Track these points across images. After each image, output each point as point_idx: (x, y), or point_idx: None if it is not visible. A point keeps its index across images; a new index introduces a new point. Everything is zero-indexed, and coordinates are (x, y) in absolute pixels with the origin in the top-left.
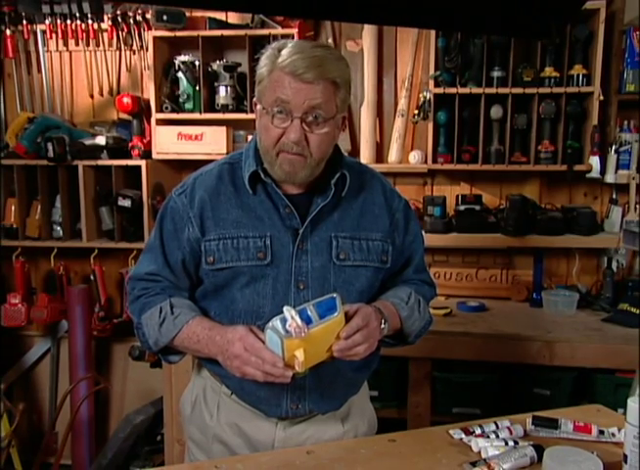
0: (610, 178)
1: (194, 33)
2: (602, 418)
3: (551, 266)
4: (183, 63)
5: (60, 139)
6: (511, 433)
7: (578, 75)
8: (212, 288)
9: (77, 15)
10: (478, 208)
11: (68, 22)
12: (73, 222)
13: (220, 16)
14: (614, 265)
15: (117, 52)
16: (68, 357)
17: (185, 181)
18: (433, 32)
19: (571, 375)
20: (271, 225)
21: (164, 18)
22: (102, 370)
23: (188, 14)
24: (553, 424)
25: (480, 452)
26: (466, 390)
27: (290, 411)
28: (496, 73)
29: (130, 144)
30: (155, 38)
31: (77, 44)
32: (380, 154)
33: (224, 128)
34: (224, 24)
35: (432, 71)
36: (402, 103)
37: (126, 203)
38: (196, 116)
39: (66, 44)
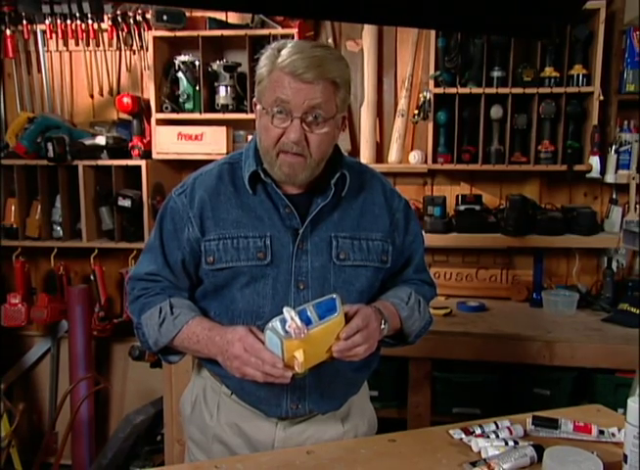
0: (610, 178)
1: (194, 33)
2: (602, 418)
3: (551, 266)
4: (183, 63)
5: (60, 139)
6: (511, 433)
7: (578, 75)
8: (212, 288)
9: (77, 15)
10: (478, 208)
11: (68, 22)
12: (73, 222)
13: (220, 16)
14: (614, 265)
15: (117, 52)
16: (68, 357)
17: (185, 181)
18: (433, 32)
19: (571, 375)
20: (271, 225)
21: (164, 18)
22: (102, 370)
23: (188, 14)
24: (553, 424)
25: (479, 452)
26: (466, 390)
27: (290, 411)
28: (496, 73)
29: (130, 144)
30: (155, 38)
31: (77, 44)
32: (380, 154)
33: (224, 128)
34: (224, 24)
35: (432, 71)
36: (402, 103)
37: (126, 203)
38: (196, 116)
39: (66, 44)
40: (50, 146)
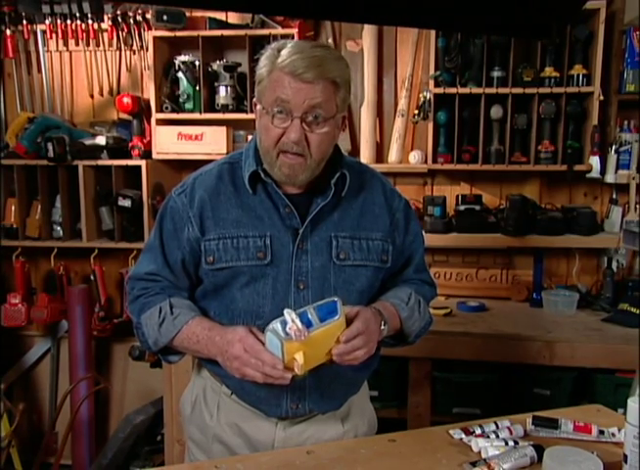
0: (610, 178)
1: (194, 33)
2: (602, 418)
3: (551, 266)
4: (183, 63)
5: (60, 139)
6: (511, 433)
7: (578, 75)
8: (212, 288)
9: (77, 15)
10: (478, 208)
11: (68, 22)
12: (73, 222)
13: (220, 16)
14: (614, 265)
15: (117, 52)
16: (68, 357)
17: (185, 181)
18: (433, 32)
19: (571, 375)
20: (271, 225)
21: (164, 18)
22: (102, 370)
23: (188, 14)
24: (553, 424)
25: (480, 452)
26: (466, 390)
27: (290, 411)
28: (496, 73)
29: (130, 144)
30: (155, 38)
31: (77, 44)
32: (380, 154)
33: (224, 128)
34: (224, 24)
35: (432, 71)
36: (402, 103)
37: (126, 203)
38: (196, 116)
39: (66, 44)
40: (50, 146)
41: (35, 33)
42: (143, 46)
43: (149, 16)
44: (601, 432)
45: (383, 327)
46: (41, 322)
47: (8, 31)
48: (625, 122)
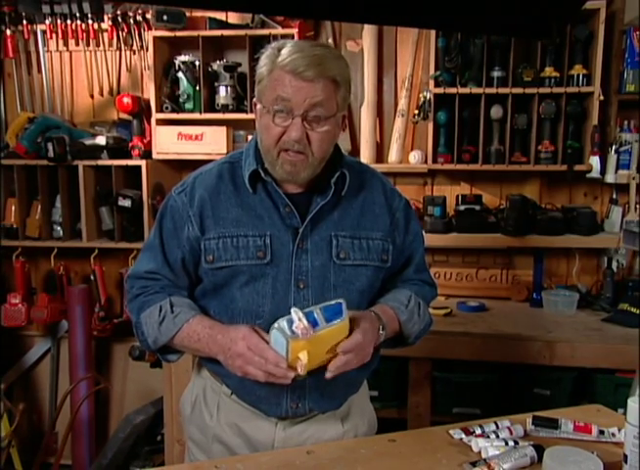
0: (610, 178)
1: (194, 33)
2: (602, 418)
3: (551, 266)
4: (183, 63)
5: (60, 139)
6: (511, 433)
7: (578, 75)
8: (212, 287)
9: (77, 15)
10: (478, 208)
11: (68, 22)
12: (73, 222)
13: (220, 16)
14: (614, 265)
15: (117, 52)
16: (68, 357)
17: (185, 180)
18: (433, 32)
19: (571, 375)
20: (271, 224)
21: (164, 18)
22: (102, 370)
23: (188, 14)
24: (553, 424)
25: (480, 452)
26: (466, 390)
27: (290, 411)
28: (496, 73)
29: (130, 144)
30: (155, 38)
31: (77, 44)
32: (380, 154)
33: (224, 128)
34: (224, 24)
35: (432, 71)
36: (402, 103)
37: (126, 203)
38: (196, 116)
39: (66, 44)
40: (50, 146)
41: (35, 33)
42: (143, 46)
43: (149, 16)
44: (601, 432)
45: (381, 332)
46: (41, 322)
47: (8, 31)
48: (625, 122)
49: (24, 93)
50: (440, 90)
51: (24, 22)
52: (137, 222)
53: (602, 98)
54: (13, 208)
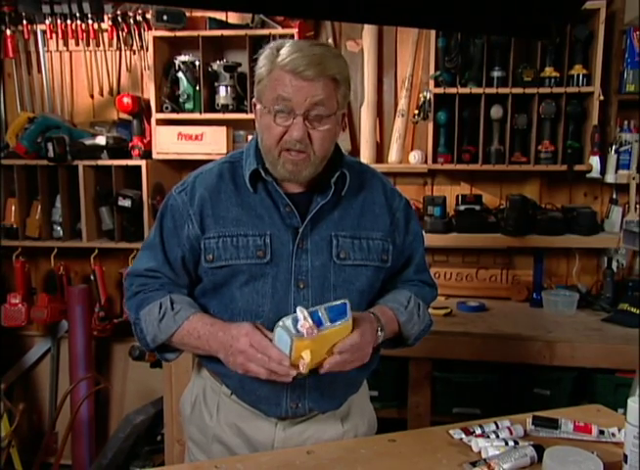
0: (610, 178)
1: (194, 33)
2: (602, 418)
3: (551, 266)
4: (183, 63)
5: (60, 139)
6: (511, 433)
7: (578, 75)
8: (211, 286)
9: (77, 15)
10: (478, 208)
11: (68, 22)
12: (73, 222)
13: (220, 16)
14: (614, 265)
15: (117, 52)
16: (68, 357)
17: (185, 180)
18: (433, 32)
19: (571, 375)
20: (271, 224)
21: (164, 18)
22: (102, 370)
23: (188, 14)
24: (553, 424)
25: (480, 452)
26: (466, 390)
27: (289, 410)
28: (496, 73)
29: (130, 144)
30: (155, 38)
31: (77, 44)
32: (380, 154)
33: (224, 128)
34: (224, 24)
35: (432, 71)
36: (402, 103)
37: (126, 203)
38: (196, 116)
39: (66, 44)
40: (50, 146)
41: (35, 33)
42: (143, 46)
43: (149, 16)
44: (601, 432)
45: (379, 333)
46: (41, 322)
47: (8, 31)
48: (625, 122)
49: (24, 93)
50: (440, 90)
51: (24, 22)
52: (137, 222)
53: (602, 98)
54: (13, 208)
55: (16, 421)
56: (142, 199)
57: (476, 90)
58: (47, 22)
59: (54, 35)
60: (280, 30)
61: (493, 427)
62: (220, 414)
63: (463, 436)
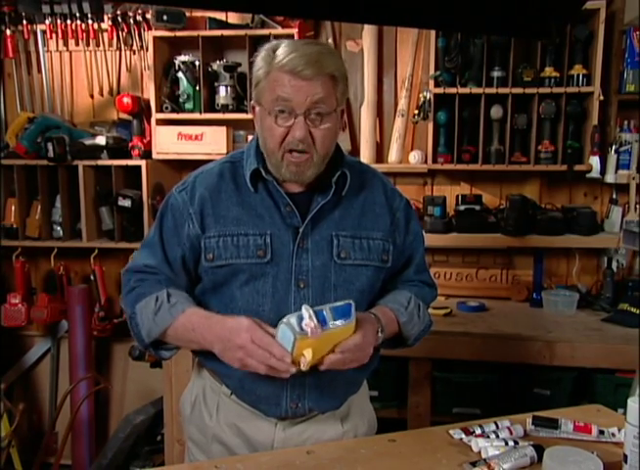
0: (610, 178)
1: (194, 33)
2: (602, 418)
3: (551, 266)
4: (183, 63)
5: (60, 139)
6: (511, 433)
7: (578, 75)
8: (211, 285)
9: (77, 15)
10: (478, 208)
11: (69, 22)
12: (73, 222)
13: (220, 16)
14: (614, 265)
15: (117, 52)
16: (68, 357)
17: (186, 179)
18: (433, 32)
19: (571, 375)
20: (271, 223)
21: (164, 18)
22: (102, 370)
23: (188, 14)
24: (553, 424)
25: (480, 452)
26: (466, 390)
27: (289, 410)
28: (496, 73)
29: (130, 144)
30: (155, 38)
31: (77, 44)
32: (380, 154)
33: (224, 128)
34: (224, 24)
35: (432, 71)
36: (402, 103)
37: (126, 203)
38: (196, 116)
39: (66, 44)
40: (50, 146)
41: (35, 33)
42: (143, 46)
43: (149, 16)
44: (601, 432)
45: (379, 334)
46: (41, 322)
47: (8, 31)
48: (625, 122)
49: (24, 93)
50: (440, 90)
51: (24, 22)
52: (137, 222)
53: (602, 98)
54: (13, 208)
55: (16, 421)
56: (142, 199)
57: (476, 90)
58: (47, 22)
59: (54, 35)
60: (280, 30)
61: (493, 427)
62: (220, 414)
63: (463, 436)
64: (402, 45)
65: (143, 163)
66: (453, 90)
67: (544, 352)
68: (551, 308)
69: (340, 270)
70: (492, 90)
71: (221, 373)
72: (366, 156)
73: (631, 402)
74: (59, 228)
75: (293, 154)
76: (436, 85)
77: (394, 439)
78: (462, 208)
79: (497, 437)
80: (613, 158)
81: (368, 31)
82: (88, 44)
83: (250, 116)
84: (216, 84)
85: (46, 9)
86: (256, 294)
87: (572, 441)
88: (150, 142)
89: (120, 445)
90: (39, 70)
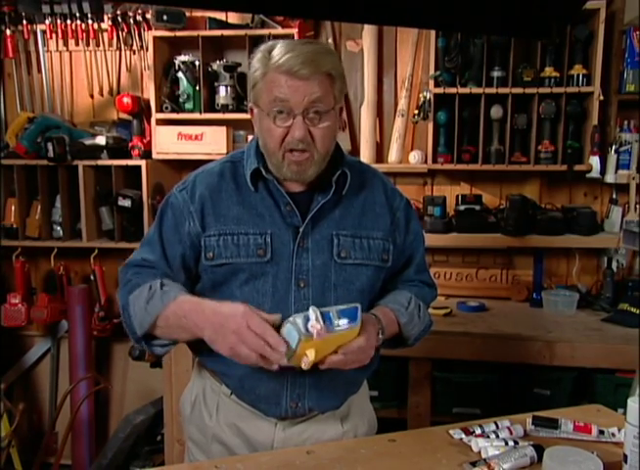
0: (610, 178)
1: (194, 33)
2: (602, 418)
3: (551, 266)
4: (183, 63)
5: (60, 139)
6: (511, 433)
7: (578, 75)
8: (211, 284)
9: (77, 15)
10: (478, 208)
11: (69, 22)
12: (73, 222)
13: (220, 16)
14: (614, 265)
15: (117, 52)
16: (68, 357)
17: (186, 179)
18: (433, 32)
19: (571, 375)
20: (272, 223)
21: (164, 18)
22: (102, 370)
23: (188, 14)
24: (553, 424)
25: (480, 452)
26: (466, 390)
27: (289, 410)
28: (496, 73)
29: (130, 144)
30: (155, 38)
31: (77, 44)
32: (380, 154)
33: (224, 128)
34: (224, 24)
35: (432, 71)
36: (402, 103)
37: (126, 203)
38: (196, 116)
39: (66, 44)
40: (50, 146)
41: (35, 33)
42: (143, 46)
43: (149, 16)
44: (601, 432)
45: (380, 336)
46: (41, 322)
47: (8, 31)
48: (625, 122)
49: (24, 93)
50: (440, 90)
51: (24, 22)
52: (137, 222)
53: (602, 98)
54: (13, 208)
55: (16, 421)
56: (142, 199)
57: (476, 90)
58: (47, 22)
59: (54, 35)
60: (280, 30)
61: (493, 427)
62: (220, 414)
63: (463, 436)
64: (402, 45)
65: (143, 163)
66: (453, 90)
67: (544, 352)
68: (551, 308)
69: (340, 270)
70: (492, 90)
71: (221, 373)
72: (366, 156)
73: (631, 402)
74: (59, 228)
75: (293, 153)
76: (436, 85)
77: (394, 439)
78: (462, 208)
79: (497, 437)
80: (613, 158)
81: (368, 31)
82: (88, 44)
83: (249, 116)
84: (216, 84)
85: (46, 9)
86: (256, 293)
87: (572, 441)
88: (150, 142)
89: (120, 445)
90: (39, 70)
